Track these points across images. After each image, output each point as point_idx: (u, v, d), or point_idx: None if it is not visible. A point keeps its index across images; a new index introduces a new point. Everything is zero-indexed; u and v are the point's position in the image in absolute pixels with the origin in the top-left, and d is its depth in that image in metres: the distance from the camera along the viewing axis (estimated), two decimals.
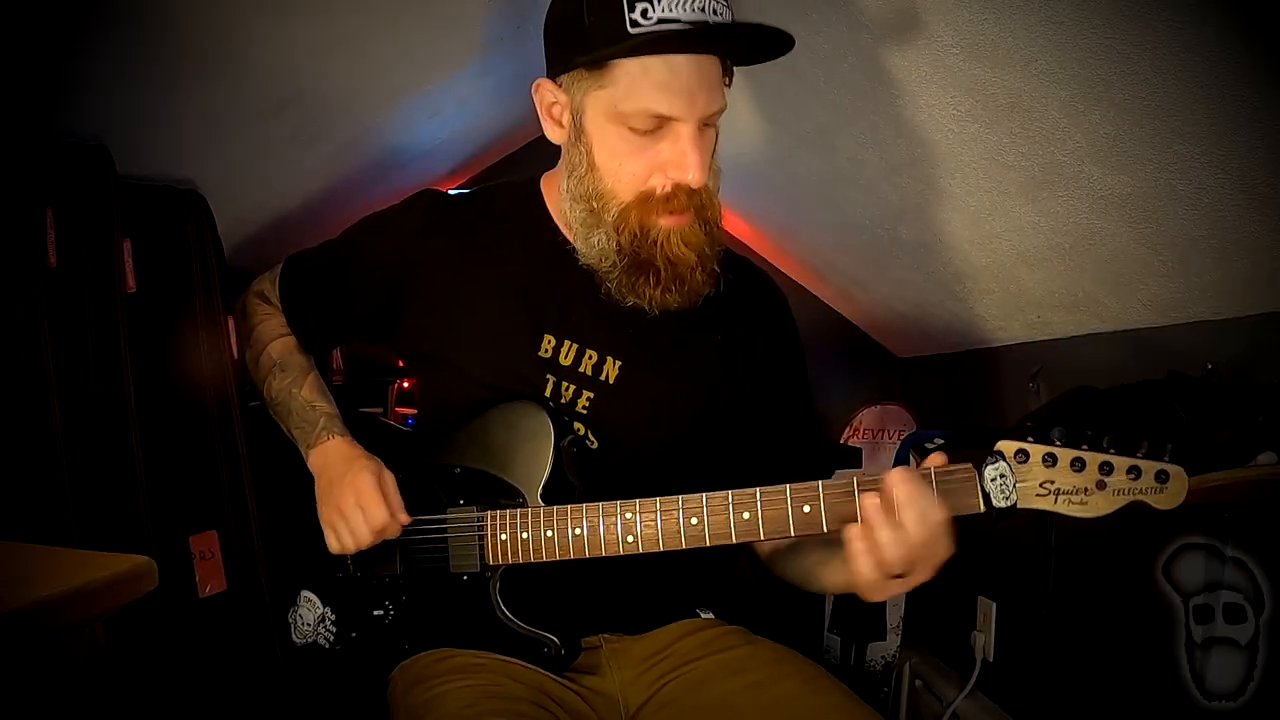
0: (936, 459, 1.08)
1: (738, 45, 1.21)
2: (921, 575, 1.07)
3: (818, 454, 1.46)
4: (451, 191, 1.46)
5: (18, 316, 1.24)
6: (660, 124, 1.18)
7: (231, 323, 1.59)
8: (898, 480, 1.04)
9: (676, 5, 1.13)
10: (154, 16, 1.28)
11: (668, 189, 1.21)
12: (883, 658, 2.50)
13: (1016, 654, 2.07)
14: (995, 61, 1.33)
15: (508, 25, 1.88)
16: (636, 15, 1.13)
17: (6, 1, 1.12)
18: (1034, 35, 1.24)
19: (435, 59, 1.89)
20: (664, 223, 1.22)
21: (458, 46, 1.91)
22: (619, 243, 1.24)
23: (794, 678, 1.24)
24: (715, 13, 1.15)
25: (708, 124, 1.21)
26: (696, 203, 1.22)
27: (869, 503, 1.05)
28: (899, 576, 1.07)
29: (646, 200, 1.21)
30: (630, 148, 1.20)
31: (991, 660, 2.12)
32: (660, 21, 1.13)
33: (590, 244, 1.27)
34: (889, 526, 1.04)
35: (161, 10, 1.28)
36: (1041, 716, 1.94)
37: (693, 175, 1.18)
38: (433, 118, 2.14)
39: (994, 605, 2.12)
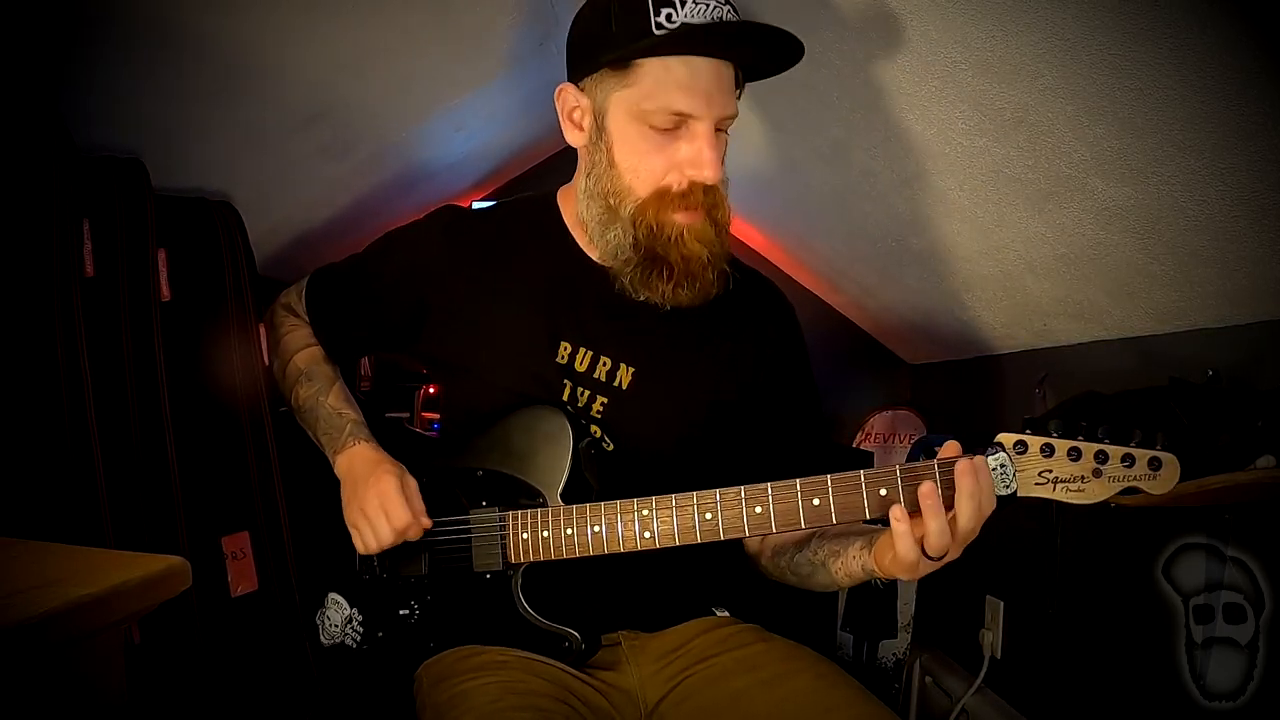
0: (951, 448, 1.10)
1: (753, 48, 1.26)
2: (953, 556, 1.10)
3: (823, 451, 1.48)
4: (473, 205, 1.49)
5: (57, 324, 1.26)
6: (679, 122, 1.24)
7: (263, 330, 1.62)
8: (963, 472, 1.06)
9: (696, 12, 1.20)
10: (188, 34, 1.31)
11: (683, 186, 1.26)
12: (894, 655, 2.51)
13: (1023, 651, 2.07)
14: (1003, 77, 1.34)
15: (531, 43, 1.91)
16: (661, 19, 1.20)
17: (46, 20, 1.16)
18: (1040, 52, 1.25)
19: (461, 75, 1.91)
20: (678, 219, 1.26)
21: (483, 63, 1.93)
22: (635, 237, 1.28)
23: (807, 673, 1.26)
24: (731, 17, 1.23)
25: (720, 128, 1.27)
26: (710, 201, 1.27)
27: (927, 491, 1.07)
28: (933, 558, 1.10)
29: (663, 196, 1.26)
30: (650, 145, 1.25)
31: (999, 657, 2.12)
32: (682, 25, 1.20)
33: (606, 240, 1.31)
34: (940, 518, 1.07)
35: (195, 28, 1.31)
36: (1047, 712, 1.95)
37: (708, 172, 1.24)
38: (459, 131, 2.16)
39: (1002, 604, 2.13)
